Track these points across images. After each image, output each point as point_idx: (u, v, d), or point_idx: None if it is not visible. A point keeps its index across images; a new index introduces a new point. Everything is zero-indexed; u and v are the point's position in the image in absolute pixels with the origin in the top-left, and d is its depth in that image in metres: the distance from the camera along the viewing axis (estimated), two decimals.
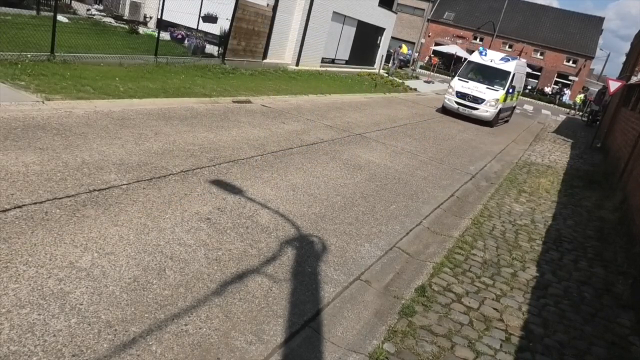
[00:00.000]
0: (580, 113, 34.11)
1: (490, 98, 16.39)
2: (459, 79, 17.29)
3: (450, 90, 17.20)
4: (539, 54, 48.81)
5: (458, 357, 3.58)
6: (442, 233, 6.05)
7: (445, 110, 17.35)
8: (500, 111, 16.94)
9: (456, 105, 16.84)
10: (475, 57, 18.20)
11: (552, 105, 38.96)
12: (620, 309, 4.89)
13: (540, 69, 48.36)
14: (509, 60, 17.67)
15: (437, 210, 6.89)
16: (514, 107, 20.76)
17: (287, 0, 17.89)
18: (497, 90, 16.72)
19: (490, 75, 17.24)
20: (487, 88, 16.73)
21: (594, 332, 4.32)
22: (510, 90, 17.21)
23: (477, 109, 16.49)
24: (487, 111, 16.44)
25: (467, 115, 16.73)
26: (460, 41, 49.19)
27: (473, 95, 16.55)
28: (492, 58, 17.67)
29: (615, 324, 4.57)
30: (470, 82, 17.08)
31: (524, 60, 21.15)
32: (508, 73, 17.11)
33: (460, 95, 16.82)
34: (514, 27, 49.28)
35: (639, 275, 5.44)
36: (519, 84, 18.99)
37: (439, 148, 11.26)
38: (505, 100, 17.00)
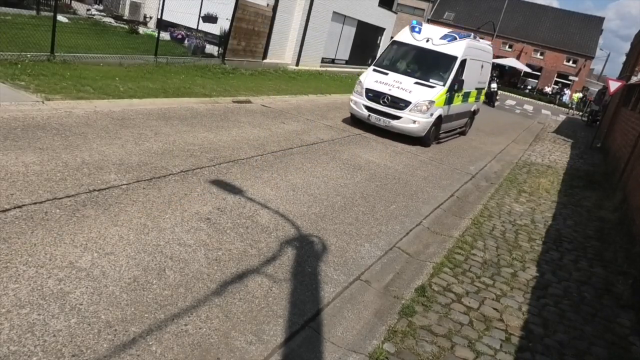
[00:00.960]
0: (580, 113, 34.07)
1: (419, 99, 10.26)
2: (374, 70, 11.20)
3: (358, 88, 10.93)
4: (539, 54, 48.83)
5: (458, 357, 3.58)
6: (442, 233, 6.05)
7: (357, 120, 11.15)
8: (440, 120, 10.95)
9: (366, 113, 10.60)
10: (403, 36, 11.82)
11: (552, 105, 38.96)
12: (620, 309, 4.89)
13: (540, 69, 48.38)
14: (455, 39, 11.37)
15: (437, 210, 6.89)
16: (474, 112, 14.14)
17: (287, 0, 17.89)
18: (432, 87, 10.60)
19: (424, 63, 11.32)
20: (417, 84, 10.59)
21: (594, 332, 4.32)
22: (456, 87, 11.00)
23: (397, 117, 10.30)
24: (414, 121, 10.25)
25: (384, 128, 10.62)
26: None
27: (392, 96, 10.33)
28: (429, 36, 11.42)
29: (615, 324, 4.57)
30: (391, 74, 10.89)
31: (487, 43, 14.07)
32: (452, 59, 11.00)
33: (372, 95, 10.55)
34: (514, 27, 49.28)
35: (639, 275, 5.44)
36: (474, 76, 12.41)
37: (438, 148, 11.26)
38: (448, 102, 11.00)
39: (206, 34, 16.18)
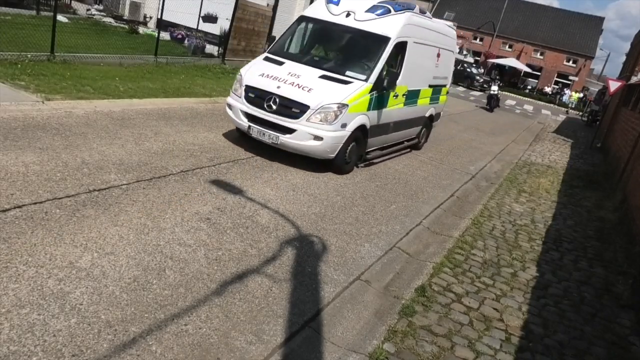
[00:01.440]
0: (580, 113, 34.06)
1: (324, 102, 6.61)
2: (265, 59, 7.65)
3: (237, 85, 7.24)
4: (539, 54, 48.87)
5: (458, 357, 3.58)
6: (442, 233, 6.05)
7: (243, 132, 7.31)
8: (365, 132, 7.37)
9: (246, 123, 6.98)
10: (314, 10, 8.21)
11: (552, 105, 38.97)
12: (620, 309, 4.89)
13: (540, 69, 48.40)
14: (389, 11, 7.69)
15: (437, 210, 6.89)
16: (430, 119, 10.38)
17: (287, 0, 17.89)
18: (347, 83, 6.99)
19: (340, 48, 8.00)
20: (323, 78, 7.00)
21: (594, 332, 4.32)
22: (387, 82, 7.32)
23: (290, 130, 6.67)
24: (315, 136, 6.62)
25: (272, 146, 6.91)
26: (459, 41, 49.14)
27: (281, 97, 6.71)
28: (351, 9, 7.77)
29: (615, 324, 4.57)
30: (288, 63, 7.34)
31: (448, 23, 10.89)
32: (382, 41, 7.42)
33: (254, 96, 6.95)
34: (514, 27, 49.32)
35: (639, 275, 5.44)
36: (424, 67, 9.17)
37: (438, 148, 11.26)
38: (377, 105, 7.41)
39: (206, 34, 16.19)
